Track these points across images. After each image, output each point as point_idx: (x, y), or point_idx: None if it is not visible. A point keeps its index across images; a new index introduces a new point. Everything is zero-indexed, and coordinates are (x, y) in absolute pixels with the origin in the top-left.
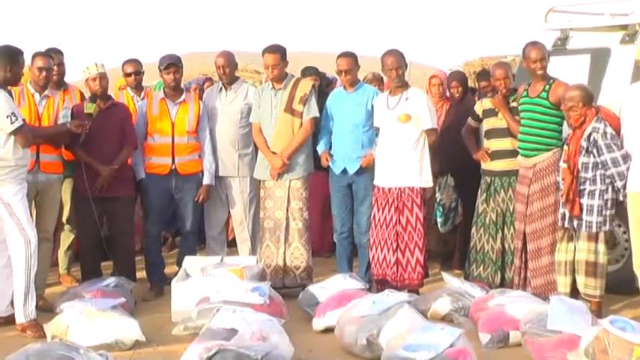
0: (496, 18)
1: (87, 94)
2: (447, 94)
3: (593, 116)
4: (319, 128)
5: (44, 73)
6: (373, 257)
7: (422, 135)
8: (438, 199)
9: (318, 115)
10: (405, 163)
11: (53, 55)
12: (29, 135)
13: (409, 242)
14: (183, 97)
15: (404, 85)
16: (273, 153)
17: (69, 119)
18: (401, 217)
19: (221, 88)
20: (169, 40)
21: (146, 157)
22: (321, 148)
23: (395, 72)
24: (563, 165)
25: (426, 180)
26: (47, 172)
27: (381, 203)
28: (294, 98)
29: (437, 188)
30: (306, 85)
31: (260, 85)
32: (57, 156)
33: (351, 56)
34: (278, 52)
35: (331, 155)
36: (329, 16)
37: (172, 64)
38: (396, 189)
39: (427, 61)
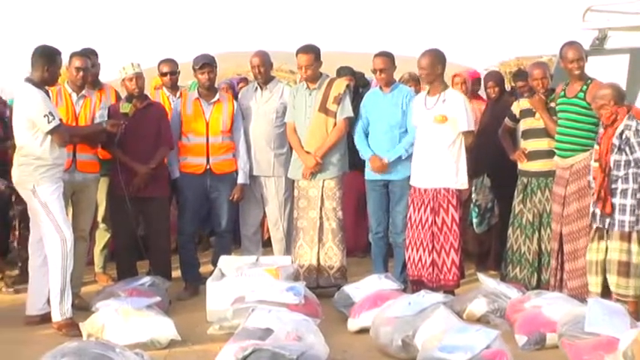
0: (532, 17)
1: (122, 94)
2: (471, 92)
3: (625, 114)
4: (353, 128)
5: (82, 73)
6: (409, 258)
7: (458, 136)
8: (474, 200)
9: (352, 114)
10: (440, 164)
11: (89, 55)
12: (66, 134)
13: (445, 243)
14: (217, 96)
15: (442, 86)
16: (307, 153)
17: (105, 118)
18: (436, 217)
19: (256, 88)
20: (205, 39)
21: (181, 156)
22: (366, 152)
23: (424, 72)
24: (594, 164)
25: (462, 181)
26: (84, 171)
27: (417, 203)
28: (328, 98)
29: (473, 189)
30: (341, 84)
31: (295, 85)
32: (93, 155)
33: (387, 55)
34: (312, 52)
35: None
36: (365, 15)
37: (207, 64)
38: (431, 190)
39: (463, 61)
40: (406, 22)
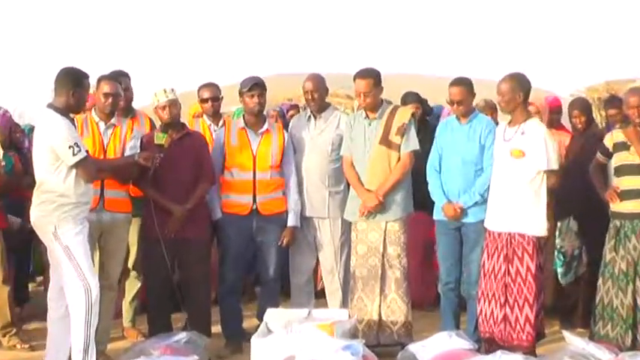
0: (624, 36)
1: (157, 122)
2: (552, 122)
3: None
4: (419, 162)
5: (110, 100)
6: (480, 311)
7: (538, 175)
8: (558, 246)
9: (418, 147)
10: (516, 205)
11: (120, 78)
12: (93, 168)
13: (518, 297)
14: (266, 126)
15: (524, 116)
16: (368, 191)
17: (137, 150)
18: (510, 267)
19: (309, 117)
20: (250, 60)
21: (223, 194)
22: (439, 196)
23: (503, 99)
24: None
25: (540, 228)
26: (112, 210)
27: (491, 249)
28: (390, 129)
29: (557, 233)
30: (405, 113)
31: (352, 113)
32: (124, 192)
33: (464, 84)
34: (371, 76)
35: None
36: (434, 34)
37: (256, 86)
38: (505, 234)
39: (544, 85)
40: (483, 43)
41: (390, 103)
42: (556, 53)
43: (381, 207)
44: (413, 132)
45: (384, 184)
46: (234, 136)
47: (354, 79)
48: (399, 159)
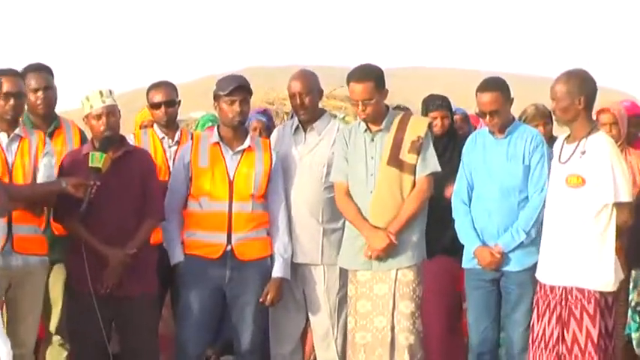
0: None
1: (89, 134)
2: (629, 137)
3: None
4: (438, 191)
5: (12, 102)
6: None
7: (605, 209)
8: (632, 304)
9: (438, 169)
10: (573, 250)
11: (34, 73)
12: (3, 197)
13: None
14: (247, 142)
15: (586, 128)
16: (374, 227)
17: (53, 171)
18: (565, 332)
19: (297, 128)
20: (215, 51)
21: (187, 230)
22: (471, 238)
23: (558, 105)
24: None
25: (606, 280)
26: (24, 252)
27: (542, 308)
28: (401, 144)
29: (631, 286)
30: (419, 124)
31: (353, 122)
32: (36, 228)
33: (497, 88)
34: (368, 79)
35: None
36: (464, 11)
37: (240, 89)
38: (559, 288)
39: (620, 86)
40: (532, 26)
41: (399, 109)
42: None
43: (393, 249)
44: (431, 148)
45: (399, 218)
46: (205, 154)
47: (348, 83)
48: (413, 184)
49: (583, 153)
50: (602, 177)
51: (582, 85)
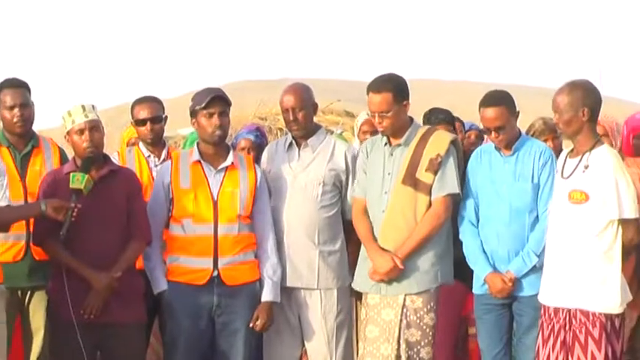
0: None
1: (70, 154)
2: (633, 150)
3: None
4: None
5: None
6: None
7: (610, 226)
8: None
9: (457, 191)
10: (576, 271)
11: (9, 89)
12: None
13: None
14: (230, 159)
15: (590, 141)
16: (382, 250)
17: (5, 193)
18: (570, 358)
19: (291, 144)
20: (205, 64)
21: (170, 256)
22: (480, 264)
23: (560, 119)
24: None
25: (612, 302)
26: None
27: (546, 332)
28: (419, 161)
29: None
30: (442, 140)
31: (354, 138)
32: None
33: (501, 103)
34: (386, 90)
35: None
36: (470, 25)
37: (217, 100)
38: (563, 311)
39: (624, 95)
40: (540, 42)
41: (421, 124)
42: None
43: (400, 274)
44: (451, 167)
45: (408, 242)
46: (185, 174)
47: (367, 92)
48: (429, 206)
49: (586, 167)
50: (606, 192)
51: (585, 96)
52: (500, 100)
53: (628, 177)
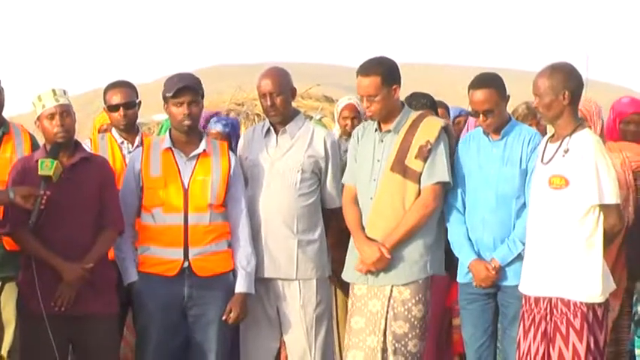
0: None
1: (41, 140)
2: (620, 134)
3: None
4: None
5: None
6: None
7: (591, 212)
8: (635, 317)
9: (448, 179)
10: (557, 259)
11: None
12: None
13: None
14: (202, 146)
15: (571, 125)
16: (369, 240)
17: None
18: (551, 349)
19: (268, 131)
20: (179, 48)
21: (140, 246)
22: (465, 251)
23: (540, 102)
24: None
25: (594, 290)
26: None
27: (527, 323)
28: (408, 148)
29: (634, 300)
30: (432, 127)
31: (334, 124)
32: None
33: (491, 85)
34: (375, 73)
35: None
36: (455, 9)
37: (185, 90)
38: (544, 301)
39: (613, 79)
40: (525, 25)
41: (411, 110)
42: (631, 37)
43: (387, 264)
44: (442, 155)
45: (395, 231)
46: (156, 161)
47: (357, 75)
48: (418, 194)
49: (566, 152)
50: (586, 177)
51: (566, 79)
52: (490, 82)
53: (609, 161)
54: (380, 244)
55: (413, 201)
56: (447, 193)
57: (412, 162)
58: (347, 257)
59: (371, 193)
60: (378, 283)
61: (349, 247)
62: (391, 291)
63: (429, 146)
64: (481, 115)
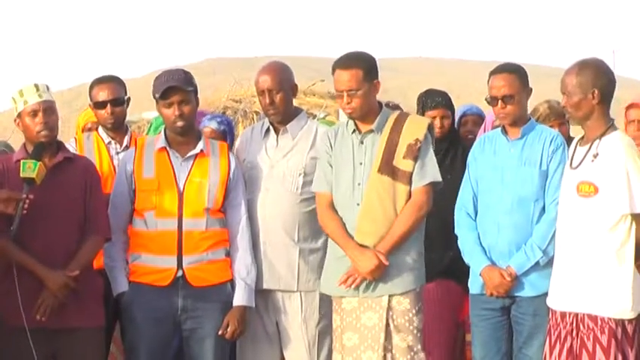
0: None
1: (20, 140)
2: None
3: None
4: (446, 204)
5: None
6: None
7: (623, 223)
8: None
9: (438, 178)
10: (585, 272)
11: None
12: None
13: None
14: (200, 146)
15: (601, 127)
16: (362, 247)
17: None
18: None
19: (268, 129)
20: (171, 40)
21: (132, 253)
22: (477, 257)
23: (569, 102)
24: None
25: (623, 305)
26: None
27: (553, 339)
28: (395, 148)
29: None
30: (418, 125)
31: (337, 123)
32: None
33: (514, 71)
34: (356, 66)
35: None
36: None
37: (175, 90)
38: (570, 316)
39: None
40: (545, 20)
41: (388, 107)
42: None
43: (384, 273)
44: (431, 154)
45: (390, 236)
46: (150, 162)
47: (333, 71)
48: (409, 196)
49: (595, 156)
50: (616, 184)
51: (596, 76)
52: (512, 68)
53: None
54: (375, 251)
55: (404, 203)
56: (458, 197)
57: (401, 162)
58: (327, 268)
59: (356, 199)
60: (373, 294)
61: (329, 257)
62: (389, 302)
63: (419, 144)
64: (500, 102)
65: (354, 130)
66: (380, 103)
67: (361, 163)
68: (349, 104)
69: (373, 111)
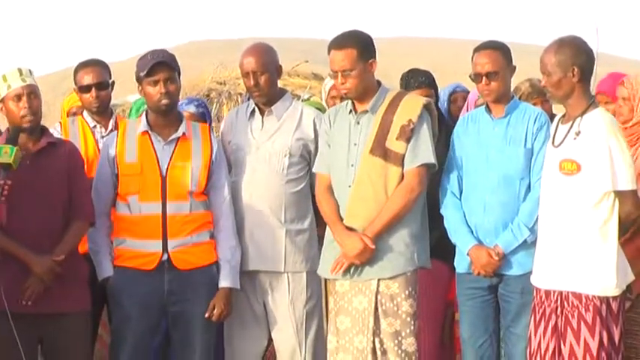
0: None
1: (3, 125)
2: None
3: None
4: (436, 185)
5: None
6: None
7: (606, 200)
8: None
9: (433, 161)
10: (568, 249)
11: None
12: None
13: None
14: (182, 129)
15: (582, 105)
16: (349, 230)
17: None
18: (562, 345)
19: (253, 111)
20: (155, 22)
21: (116, 238)
22: (463, 237)
23: (549, 80)
24: None
25: (608, 283)
26: None
27: (537, 317)
28: (389, 129)
29: None
30: (413, 104)
31: (323, 104)
32: None
33: (497, 48)
34: (350, 45)
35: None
36: None
37: (162, 66)
38: (554, 294)
39: (623, 52)
40: None
41: (388, 88)
42: None
43: (372, 256)
44: (425, 135)
45: (378, 219)
46: (132, 146)
47: (328, 51)
48: (401, 178)
49: (577, 134)
50: (599, 161)
51: (575, 54)
52: (496, 45)
53: (624, 143)
54: (361, 234)
55: (396, 186)
56: (443, 177)
57: (393, 143)
58: (323, 252)
59: (349, 180)
60: (362, 278)
61: (325, 240)
62: (378, 285)
63: (412, 125)
64: (484, 79)
65: (351, 110)
66: (378, 82)
67: (355, 144)
68: (344, 84)
69: (369, 90)
